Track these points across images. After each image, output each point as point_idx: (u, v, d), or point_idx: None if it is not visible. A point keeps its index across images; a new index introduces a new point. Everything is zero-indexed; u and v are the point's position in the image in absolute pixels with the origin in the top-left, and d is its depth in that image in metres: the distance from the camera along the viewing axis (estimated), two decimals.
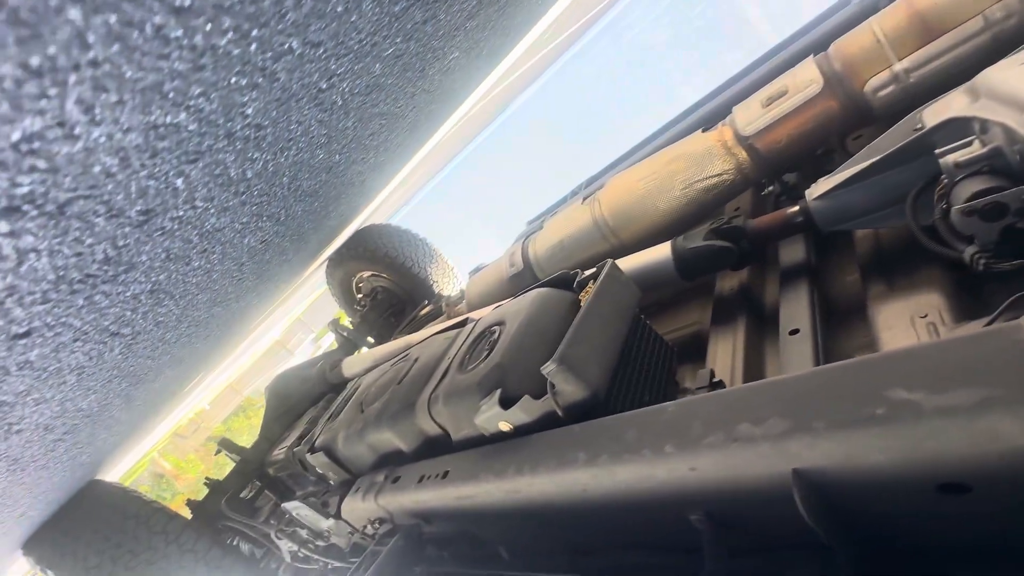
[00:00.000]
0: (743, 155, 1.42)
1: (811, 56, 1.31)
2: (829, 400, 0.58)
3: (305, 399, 2.85)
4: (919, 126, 1.03)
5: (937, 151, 0.93)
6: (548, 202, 2.89)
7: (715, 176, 1.48)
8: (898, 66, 1.15)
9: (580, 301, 1.28)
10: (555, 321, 1.25)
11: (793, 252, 1.38)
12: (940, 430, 0.50)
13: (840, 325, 1.19)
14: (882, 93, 1.18)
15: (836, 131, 1.30)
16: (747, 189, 1.54)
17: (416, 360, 1.66)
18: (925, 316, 0.97)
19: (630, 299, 1.23)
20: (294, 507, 1.70)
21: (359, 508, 1.47)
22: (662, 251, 1.44)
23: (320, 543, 1.86)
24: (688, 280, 1.43)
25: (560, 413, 1.00)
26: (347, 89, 0.80)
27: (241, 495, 2.66)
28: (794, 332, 1.14)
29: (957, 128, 0.93)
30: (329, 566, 1.84)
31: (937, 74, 1.11)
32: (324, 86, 0.71)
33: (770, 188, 1.75)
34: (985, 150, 0.84)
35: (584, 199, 1.84)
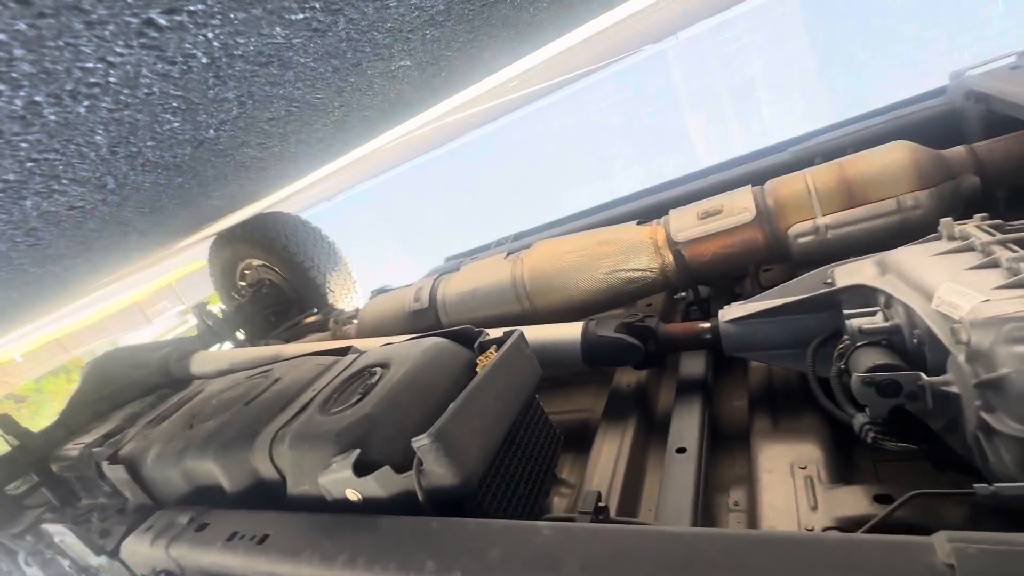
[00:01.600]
0: (669, 258, 1.43)
1: (749, 186, 1.36)
2: (733, 569, 0.51)
3: (133, 388, 2.39)
4: (829, 280, 1.08)
5: (845, 311, 0.96)
6: (471, 242, 2.80)
7: (639, 270, 1.47)
8: (821, 220, 1.22)
9: (477, 365, 1.16)
10: (444, 379, 1.11)
11: (693, 365, 1.38)
12: None
13: (724, 450, 1.18)
14: (802, 240, 1.25)
15: (755, 260, 1.35)
16: (664, 290, 1.55)
17: (277, 380, 1.43)
18: (804, 468, 0.97)
19: (530, 378, 1.13)
20: (58, 532, 1.34)
21: (144, 552, 1.17)
22: (572, 331, 1.38)
23: None
24: (591, 367, 1.38)
25: (421, 498, 0.86)
26: (218, 45, 0.62)
27: (6, 489, 2.10)
28: (681, 451, 1.11)
29: (864, 295, 0.97)
30: None
31: (851, 238, 1.19)
32: (163, 23, 0.51)
33: (683, 295, 1.80)
34: (887, 324, 0.87)
35: (508, 254, 1.77)
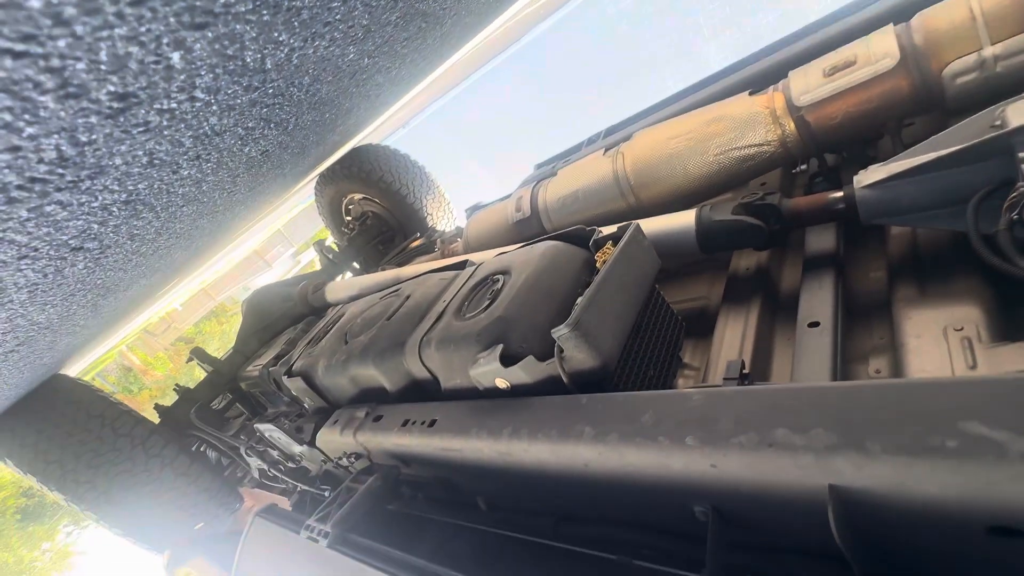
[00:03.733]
0: (791, 127, 1.31)
1: (891, 25, 1.17)
2: (890, 420, 0.53)
3: (284, 318, 2.77)
4: (998, 123, 0.93)
5: (1021, 155, 0.84)
6: (551, 148, 2.73)
7: (755, 145, 1.37)
8: (988, 51, 1.03)
9: (596, 262, 1.19)
10: (566, 279, 1.17)
11: (822, 240, 1.30)
12: (1012, 473, 0.45)
13: (862, 323, 1.14)
14: (962, 79, 1.07)
15: (898, 115, 1.19)
16: (785, 165, 1.44)
17: (408, 297, 1.58)
18: (961, 329, 0.92)
19: (650, 268, 1.15)
20: (267, 429, 1.67)
21: (336, 440, 1.43)
22: (685, 219, 1.35)
23: (290, 465, 1.85)
24: (708, 254, 1.36)
25: (566, 380, 0.95)
26: None
27: (211, 405, 2.63)
28: (814, 324, 1.09)
29: None
30: (297, 488, 1.84)
31: None
32: None
33: (803, 167, 1.65)
34: None
35: (606, 151, 1.72)
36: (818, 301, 1.15)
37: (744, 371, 0.84)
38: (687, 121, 1.50)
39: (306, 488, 1.79)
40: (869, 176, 1.09)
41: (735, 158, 1.41)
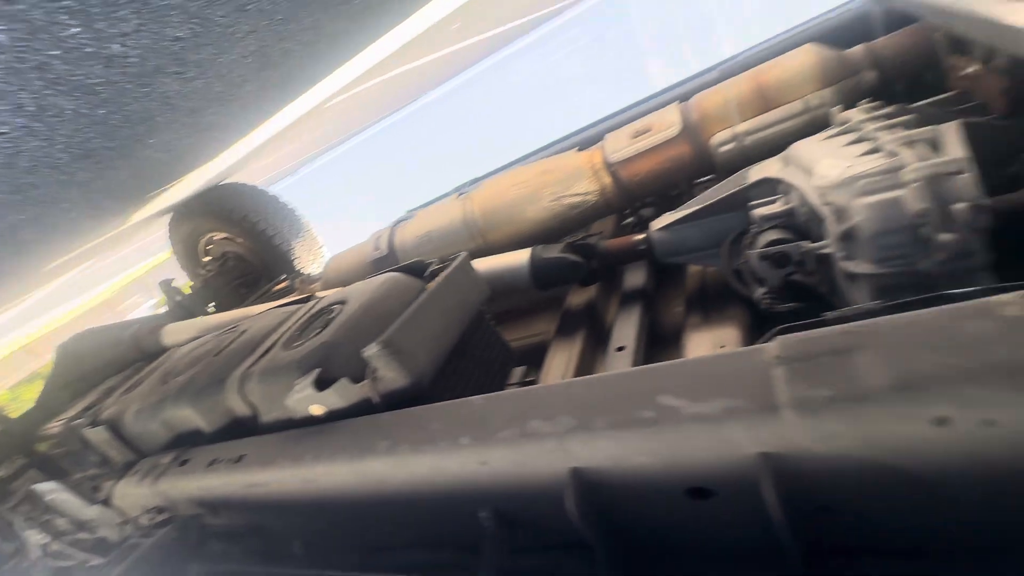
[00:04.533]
0: (607, 180, 1.50)
1: (676, 103, 1.43)
2: (611, 401, 0.60)
3: (108, 365, 2.41)
4: (744, 182, 1.17)
5: (750, 204, 1.05)
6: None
7: (581, 194, 1.54)
8: (739, 127, 1.30)
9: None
10: (398, 305, 1.18)
11: (635, 277, 1.48)
12: (692, 435, 0.53)
13: (661, 347, 1.29)
14: (724, 148, 1.33)
15: (686, 175, 1.43)
16: (609, 213, 1.63)
17: (243, 332, 1.49)
18: (724, 346, 1.08)
19: (476, 295, 1.21)
20: (49, 490, 1.40)
21: (134, 493, 1.25)
22: (521, 257, 1.46)
23: (83, 535, 1.55)
24: (541, 289, 1.46)
25: (377, 399, 0.94)
26: None
27: None
28: (620, 349, 1.22)
29: (769, 187, 1.06)
30: (89, 563, 1.54)
31: (767, 140, 1.27)
32: None
33: (630, 220, 1.89)
34: (784, 208, 0.97)
35: (459, 195, 1.82)
36: (627, 329, 1.29)
37: (526, 378, 0.91)
38: (526, 171, 1.66)
39: (100, 561, 1.50)
40: (660, 222, 1.28)
41: (565, 205, 1.57)
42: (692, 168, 1.41)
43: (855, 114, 0.93)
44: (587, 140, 1.94)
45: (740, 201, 1.12)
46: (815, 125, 1.23)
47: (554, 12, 7.67)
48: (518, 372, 0.93)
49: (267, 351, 1.24)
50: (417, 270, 1.33)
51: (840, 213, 0.75)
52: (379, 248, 1.92)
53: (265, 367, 1.14)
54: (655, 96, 1.91)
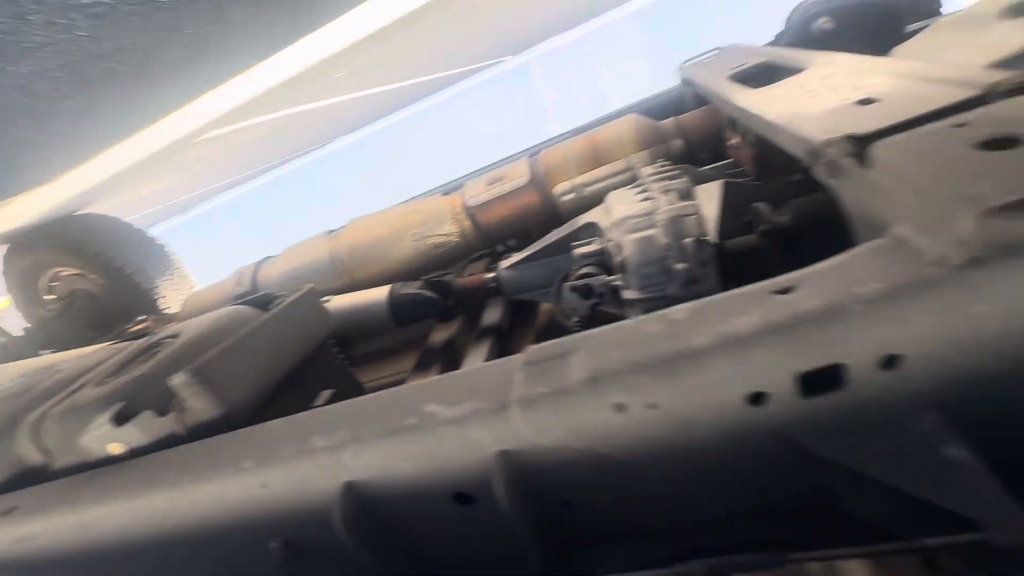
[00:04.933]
0: (467, 223, 1.59)
1: (526, 157, 1.57)
2: (385, 412, 0.63)
3: None
4: (574, 226, 1.30)
5: (572, 245, 1.18)
6: None
7: (443, 235, 1.62)
8: (577, 180, 1.46)
9: None
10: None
11: (493, 314, 1.55)
12: (446, 438, 0.57)
13: None
14: (565, 198, 1.48)
15: (536, 220, 1.56)
16: (469, 254, 1.71)
17: (57, 372, 1.33)
18: None
19: (318, 327, 1.20)
20: None
21: None
22: (380, 293, 1.48)
23: None
24: (400, 324, 1.48)
25: (184, 432, 0.88)
26: None
27: None
28: None
29: (590, 230, 1.19)
30: None
31: (600, 191, 1.44)
32: None
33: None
34: (596, 248, 1.09)
35: (328, 234, 1.82)
36: (476, 362, 1.34)
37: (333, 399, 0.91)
38: (392, 212, 1.71)
39: None
40: (508, 262, 1.37)
41: (429, 245, 1.63)
42: (541, 214, 1.55)
43: (647, 171, 1.10)
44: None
45: (568, 243, 1.24)
46: (635, 180, 1.42)
47: (460, 75, 8.12)
48: (324, 395, 0.93)
49: (79, 388, 1.12)
50: (262, 303, 1.29)
51: (618, 248, 0.87)
52: (241, 284, 1.84)
53: (66, 406, 1.03)
54: (524, 154, 2.08)
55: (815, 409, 0.47)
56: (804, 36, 1.49)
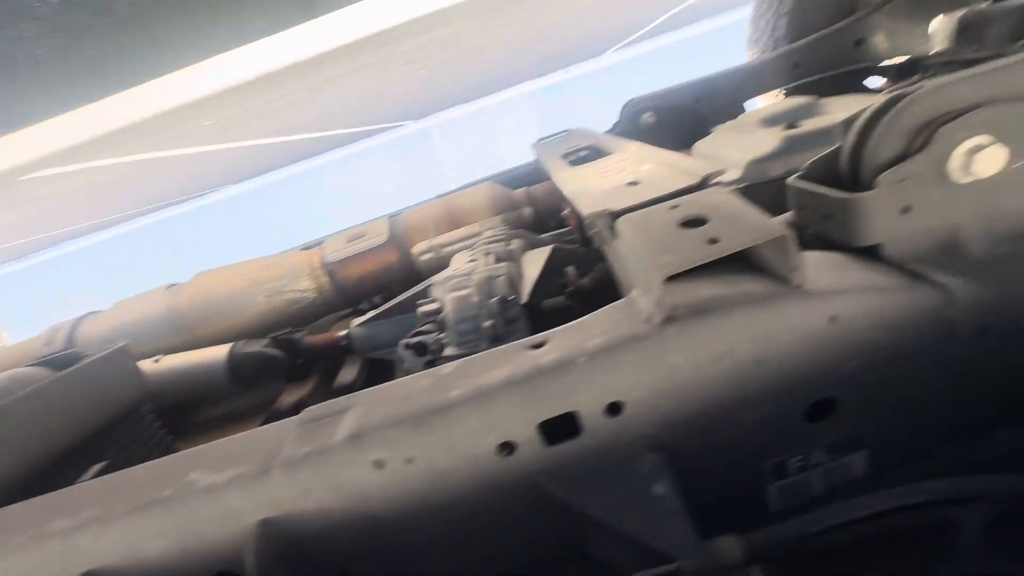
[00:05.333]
0: (325, 279, 1.55)
1: (387, 216, 1.60)
2: (141, 485, 0.57)
3: None
4: (426, 285, 1.32)
5: (418, 303, 1.20)
6: None
7: (299, 291, 1.56)
8: (436, 240, 1.50)
9: None
10: None
11: (348, 373, 1.49)
12: (203, 509, 0.53)
13: None
14: (424, 257, 1.51)
15: (396, 278, 1.56)
16: (327, 311, 1.66)
17: None
18: None
19: (128, 390, 1.08)
20: None
21: None
22: (219, 352, 1.36)
23: None
24: (241, 385, 1.37)
25: None
26: None
27: None
28: None
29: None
30: None
31: (454, 252, 1.49)
32: None
33: None
34: (435, 307, 1.12)
35: (169, 286, 1.67)
36: None
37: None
38: (246, 265, 1.62)
39: None
40: (360, 319, 1.35)
41: (283, 301, 1.56)
42: (400, 272, 1.56)
43: (486, 235, 1.17)
44: None
45: (416, 301, 1.26)
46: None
47: (357, 135, 8.19)
48: (93, 469, 0.82)
49: None
50: (63, 363, 1.13)
51: (442, 306, 0.90)
52: (52, 343, 1.60)
53: None
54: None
55: (558, 457, 0.51)
56: (633, 127, 1.73)
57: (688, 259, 0.49)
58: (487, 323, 0.80)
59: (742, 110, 1.97)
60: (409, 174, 10.66)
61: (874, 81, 2.00)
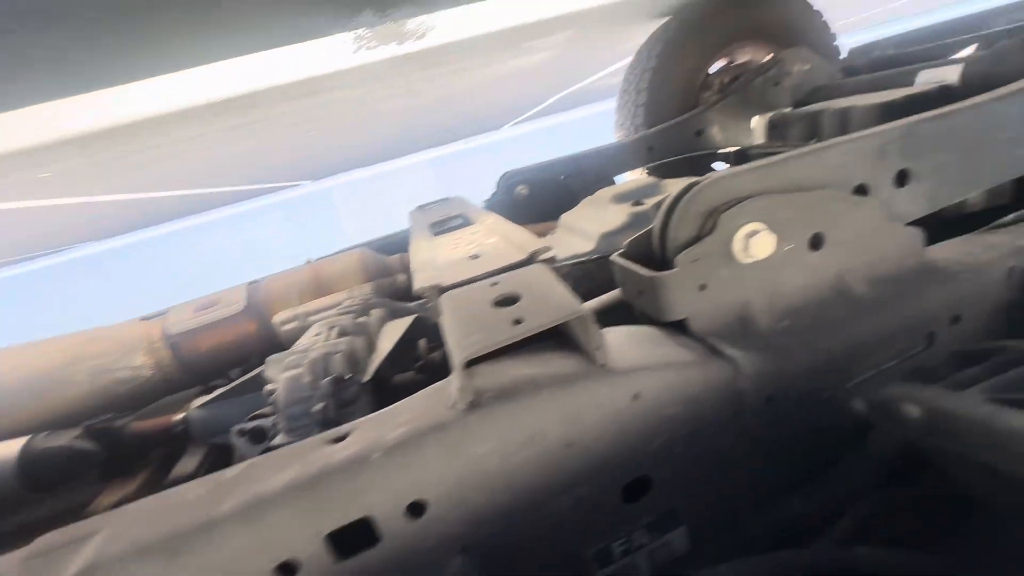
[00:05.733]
0: (166, 354, 1.37)
1: (245, 283, 1.47)
2: None
3: None
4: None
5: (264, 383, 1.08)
6: None
7: (131, 368, 1.35)
8: (300, 308, 1.40)
9: None
10: None
11: (188, 463, 1.29)
12: None
13: None
14: (286, 327, 1.39)
15: (254, 351, 1.42)
16: (169, 390, 1.45)
17: None
18: None
19: None
20: None
21: None
22: (8, 449, 1.11)
23: None
24: (37, 491, 1.12)
25: None
26: None
27: None
28: None
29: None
30: None
31: (328, 316, 1.39)
32: None
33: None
34: (274, 386, 1.01)
35: None
36: None
37: None
38: (65, 340, 1.39)
39: None
40: (200, 400, 1.18)
41: (111, 380, 1.34)
42: (257, 344, 1.42)
43: (345, 303, 1.11)
44: None
45: (260, 385, 1.14)
46: (365, 310, 1.43)
47: (255, 192, 7.81)
48: None
49: None
50: None
51: (276, 387, 0.81)
52: None
53: None
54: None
55: (352, 572, 0.45)
56: (508, 198, 1.81)
57: (491, 340, 0.48)
58: (317, 407, 0.73)
59: (612, 182, 2.15)
60: (308, 233, 10.24)
61: (721, 164, 2.31)
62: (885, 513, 0.55)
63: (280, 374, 0.80)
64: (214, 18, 1.37)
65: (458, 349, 0.47)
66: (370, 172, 10.24)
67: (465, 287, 0.59)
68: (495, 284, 0.57)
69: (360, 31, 1.44)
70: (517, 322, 0.49)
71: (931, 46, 1.80)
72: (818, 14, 2.36)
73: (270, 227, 10.49)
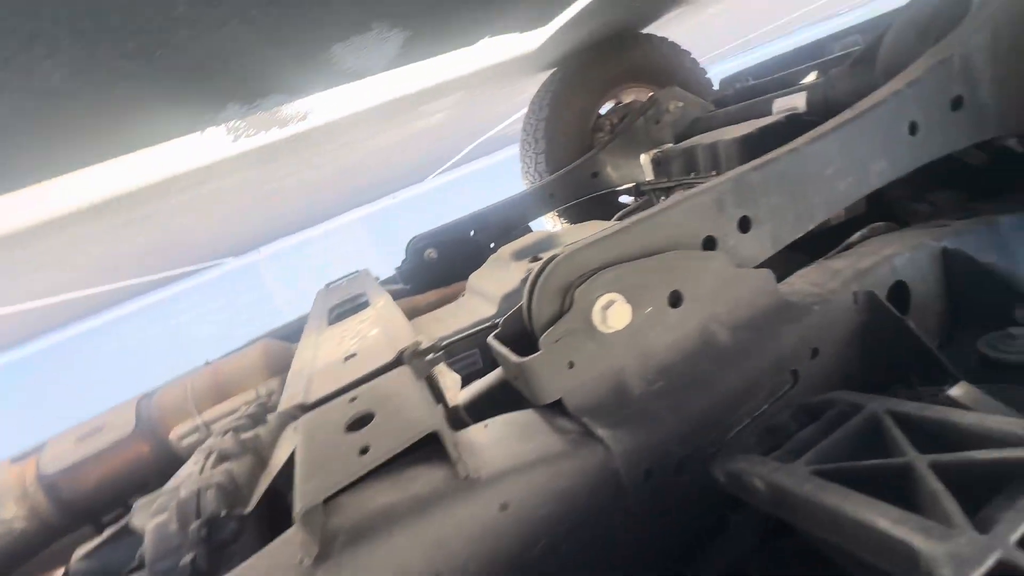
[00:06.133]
0: (42, 498, 1.21)
1: (134, 399, 1.35)
2: None
3: None
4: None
5: None
6: None
7: (1, 523, 1.17)
8: (199, 418, 1.28)
9: None
10: None
11: None
12: None
13: None
14: (186, 442, 1.27)
15: (152, 474, 1.28)
16: (51, 539, 1.28)
17: None
18: None
19: None
20: None
21: None
22: None
23: None
24: None
25: None
26: None
27: None
28: None
29: None
30: None
31: (224, 426, 1.28)
32: None
33: None
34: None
35: None
36: None
37: None
38: None
39: None
40: (83, 548, 1.04)
41: None
42: (157, 465, 1.28)
43: (241, 409, 1.02)
44: None
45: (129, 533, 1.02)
46: (270, 410, 1.33)
47: (177, 276, 7.37)
48: None
49: None
50: None
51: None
52: None
53: None
54: None
55: None
56: (418, 262, 1.79)
57: (331, 481, 0.44)
58: (187, 557, 0.65)
59: (529, 229, 2.19)
60: (237, 312, 9.72)
61: (627, 198, 2.42)
62: (777, 561, 0.55)
63: (148, 521, 0.71)
64: (73, 124, 1.29)
65: (298, 497, 0.43)
66: (296, 239, 9.96)
67: (323, 407, 0.55)
68: (353, 400, 0.54)
69: (231, 123, 1.40)
70: (364, 451, 0.46)
71: (784, 74, 2.00)
72: (686, 53, 2.57)
73: (195, 310, 9.89)
